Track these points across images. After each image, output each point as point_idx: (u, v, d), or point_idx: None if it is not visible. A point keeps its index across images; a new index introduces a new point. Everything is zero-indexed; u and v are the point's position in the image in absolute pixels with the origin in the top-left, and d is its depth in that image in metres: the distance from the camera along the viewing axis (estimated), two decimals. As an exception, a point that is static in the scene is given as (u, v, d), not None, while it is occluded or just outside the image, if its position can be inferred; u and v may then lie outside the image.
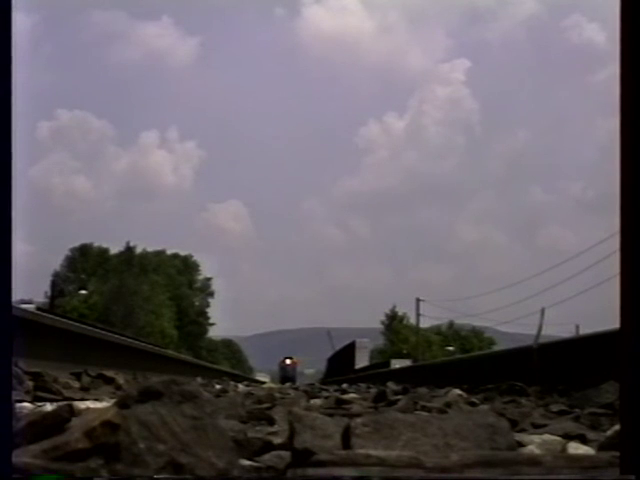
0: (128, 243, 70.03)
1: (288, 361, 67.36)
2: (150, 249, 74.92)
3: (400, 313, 74.50)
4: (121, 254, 69.33)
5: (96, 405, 3.63)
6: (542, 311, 11.37)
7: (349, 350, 45.27)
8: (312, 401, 5.74)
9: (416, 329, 65.03)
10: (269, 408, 3.87)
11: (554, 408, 4.34)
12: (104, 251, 70.97)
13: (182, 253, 79.37)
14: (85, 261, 70.41)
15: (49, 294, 56.49)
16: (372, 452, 1.96)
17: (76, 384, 6.59)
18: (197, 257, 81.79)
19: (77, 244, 71.79)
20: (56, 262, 70.35)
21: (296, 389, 10.00)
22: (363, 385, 13.51)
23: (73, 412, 2.04)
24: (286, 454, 2.12)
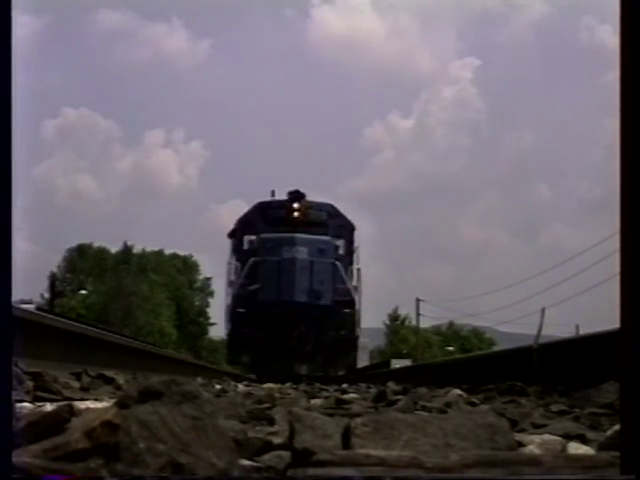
0: (125, 242, 70.05)
1: None
2: (156, 249, 74.94)
3: (403, 314, 74.44)
4: (119, 254, 69.33)
5: (96, 405, 3.63)
6: (542, 311, 11.33)
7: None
8: (312, 401, 5.73)
9: (416, 329, 64.97)
10: (269, 408, 3.86)
11: (554, 408, 4.34)
12: (102, 251, 70.92)
13: (181, 253, 79.39)
14: (84, 261, 70.37)
15: (47, 295, 56.50)
16: (372, 452, 1.96)
17: (76, 384, 6.58)
18: (199, 257, 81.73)
19: (76, 244, 71.78)
20: (60, 262, 70.41)
21: (296, 389, 10.00)
22: (363, 385, 13.51)
23: (73, 412, 2.04)
24: (286, 454, 2.12)
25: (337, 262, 22.35)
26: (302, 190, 23.37)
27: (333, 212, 23.65)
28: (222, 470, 1.84)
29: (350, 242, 23.74)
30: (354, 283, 23.42)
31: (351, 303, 22.82)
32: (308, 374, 20.03)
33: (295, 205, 22.96)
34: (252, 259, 21.98)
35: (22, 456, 1.78)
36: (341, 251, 23.13)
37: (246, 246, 22.88)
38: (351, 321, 22.95)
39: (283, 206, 23.15)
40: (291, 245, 21.82)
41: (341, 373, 23.09)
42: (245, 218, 23.75)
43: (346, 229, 23.66)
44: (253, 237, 22.70)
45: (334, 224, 23.17)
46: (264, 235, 22.29)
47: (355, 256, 23.91)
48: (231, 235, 24.41)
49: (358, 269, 23.97)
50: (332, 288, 22.08)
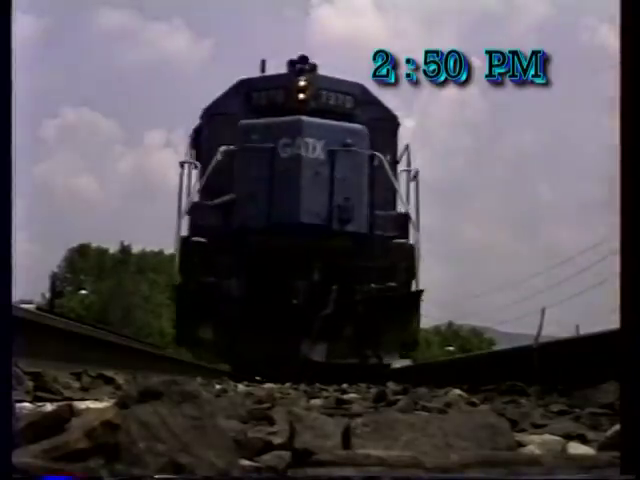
0: (122, 242, 70.05)
1: None
2: (156, 249, 74.96)
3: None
4: (117, 254, 69.38)
5: (96, 405, 3.63)
6: (543, 311, 11.19)
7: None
8: (312, 401, 5.73)
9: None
10: (269, 408, 3.86)
11: (554, 408, 4.34)
12: (103, 251, 70.96)
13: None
14: (84, 261, 70.40)
15: (47, 295, 56.54)
16: (372, 452, 1.96)
17: (76, 384, 6.58)
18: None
19: (77, 244, 71.82)
20: (60, 262, 70.49)
21: (296, 389, 10.00)
22: (363, 385, 13.51)
23: (73, 412, 2.04)
24: (286, 454, 2.11)
25: (379, 156, 13.02)
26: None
27: (363, 97, 13.67)
28: (222, 470, 1.84)
29: (393, 143, 14.18)
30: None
31: (404, 229, 13.38)
32: (328, 362, 12.14)
33: (301, 82, 13.31)
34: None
35: (22, 456, 1.78)
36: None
37: (220, 156, 12.74)
38: (407, 262, 13.07)
39: (281, 84, 13.62)
40: (295, 133, 12.48)
41: (389, 362, 13.46)
42: (218, 103, 14.00)
43: (387, 123, 14.06)
44: (232, 147, 12.83)
45: (367, 115, 13.65)
46: (247, 121, 12.89)
47: (404, 160, 14.37)
48: (195, 134, 14.49)
49: (415, 174, 14.15)
50: (370, 204, 12.87)
